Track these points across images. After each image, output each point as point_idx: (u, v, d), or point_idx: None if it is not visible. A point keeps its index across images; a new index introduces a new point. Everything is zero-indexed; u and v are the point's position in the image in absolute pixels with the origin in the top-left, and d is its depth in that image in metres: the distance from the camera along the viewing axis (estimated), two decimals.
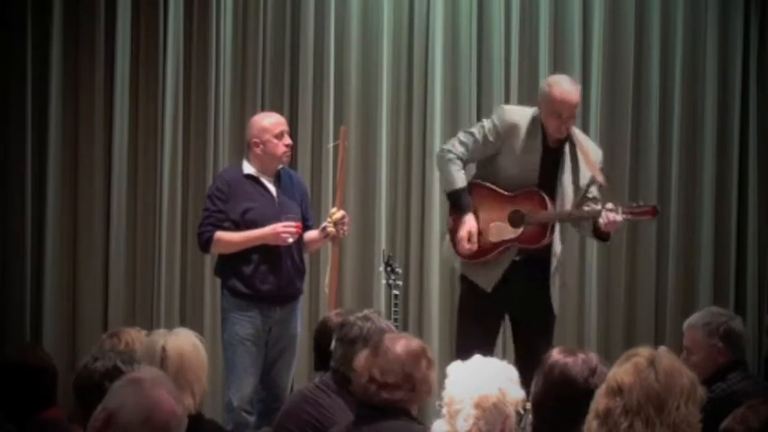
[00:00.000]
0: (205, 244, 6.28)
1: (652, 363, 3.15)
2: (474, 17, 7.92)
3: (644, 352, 3.20)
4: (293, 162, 7.35)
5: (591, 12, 8.06)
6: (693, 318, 5.14)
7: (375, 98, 7.85)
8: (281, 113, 6.85)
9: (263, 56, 7.78)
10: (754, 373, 7.10)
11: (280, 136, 6.29)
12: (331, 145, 7.42)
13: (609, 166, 7.98)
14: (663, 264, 8.11)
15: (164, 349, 4.12)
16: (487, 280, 6.15)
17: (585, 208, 6.16)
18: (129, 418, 2.78)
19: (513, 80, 7.96)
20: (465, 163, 6.18)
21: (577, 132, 6.25)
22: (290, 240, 6.18)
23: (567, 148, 6.15)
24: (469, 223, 6.12)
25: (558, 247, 6.18)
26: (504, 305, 6.21)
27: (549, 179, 6.12)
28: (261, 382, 6.23)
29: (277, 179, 6.33)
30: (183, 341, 4.16)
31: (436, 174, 7.07)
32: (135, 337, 4.81)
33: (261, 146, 6.26)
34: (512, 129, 6.08)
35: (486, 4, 7.94)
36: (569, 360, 3.78)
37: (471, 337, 6.02)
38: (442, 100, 7.88)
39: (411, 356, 3.99)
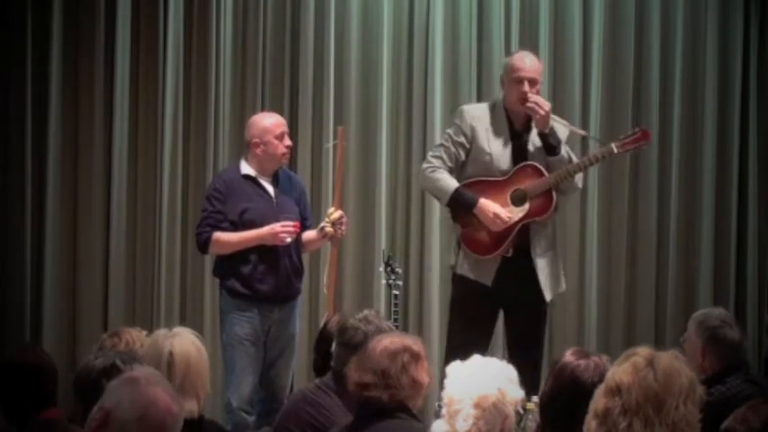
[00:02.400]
0: (203, 244, 6.27)
1: (651, 362, 3.14)
2: (474, 17, 7.92)
3: (643, 352, 3.19)
4: (293, 162, 7.35)
5: (591, 12, 8.05)
6: (697, 312, 5.21)
7: (375, 98, 7.84)
8: (281, 114, 6.85)
9: (263, 56, 7.78)
10: (755, 374, 7.10)
11: (281, 137, 6.28)
12: (329, 145, 7.42)
13: (609, 166, 8.01)
14: (663, 264, 8.10)
15: (171, 354, 4.12)
16: (486, 274, 6.17)
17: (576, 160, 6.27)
18: (126, 416, 2.79)
19: None
20: (448, 171, 6.20)
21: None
22: (288, 240, 6.17)
23: (533, 131, 6.21)
24: (488, 205, 6.12)
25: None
26: (499, 302, 6.22)
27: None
28: (260, 383, 6.23)
29: (275, 179, 6.32)
30: (188, 346, 4.15)
31: None
32: (136, 336, 4.81)
33: (261, 146, 6.24)
34: (474, 122, 6.19)
35: (486, 4, 7.94)
36: (581, 363, 3.79)
37: (465, 340, 6.00)
38: (442, 100, 7.87)
39: (387, 354, 3.99)
